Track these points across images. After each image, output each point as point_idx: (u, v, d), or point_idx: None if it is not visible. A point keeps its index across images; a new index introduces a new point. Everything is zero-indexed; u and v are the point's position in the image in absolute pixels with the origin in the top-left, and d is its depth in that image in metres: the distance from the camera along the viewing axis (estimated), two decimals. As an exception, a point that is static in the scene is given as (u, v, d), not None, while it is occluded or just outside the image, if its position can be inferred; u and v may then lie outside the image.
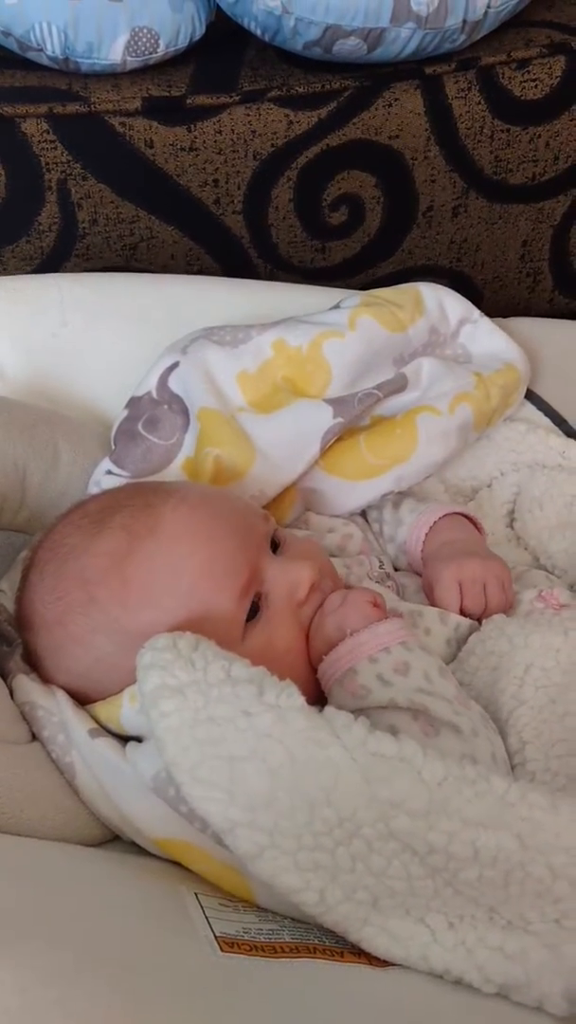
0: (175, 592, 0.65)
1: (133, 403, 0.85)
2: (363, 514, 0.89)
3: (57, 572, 0.68)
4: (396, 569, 0.85)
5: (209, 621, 0.64)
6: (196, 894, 0.59)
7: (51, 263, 1.16)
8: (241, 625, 0.67)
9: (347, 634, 0.67)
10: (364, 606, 0.68)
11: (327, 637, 0.68)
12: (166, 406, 0.84)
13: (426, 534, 0.83)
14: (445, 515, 0.84)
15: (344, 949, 0.56)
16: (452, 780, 0.55)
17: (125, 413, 0.85)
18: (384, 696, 0.64)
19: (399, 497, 0.87)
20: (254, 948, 0.54)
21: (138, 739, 0.66)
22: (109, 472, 0.82)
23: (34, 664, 0.70)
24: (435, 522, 0.83)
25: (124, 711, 0.66)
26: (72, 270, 1.14)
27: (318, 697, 0.68)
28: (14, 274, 1.10)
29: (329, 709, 0.58)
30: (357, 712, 0.65)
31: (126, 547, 0.66)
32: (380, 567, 0.82)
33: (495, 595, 0.76)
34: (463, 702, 0.66)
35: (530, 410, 0.96)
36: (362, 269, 1.24)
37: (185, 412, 0.84)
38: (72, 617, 0.67)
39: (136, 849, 0.65)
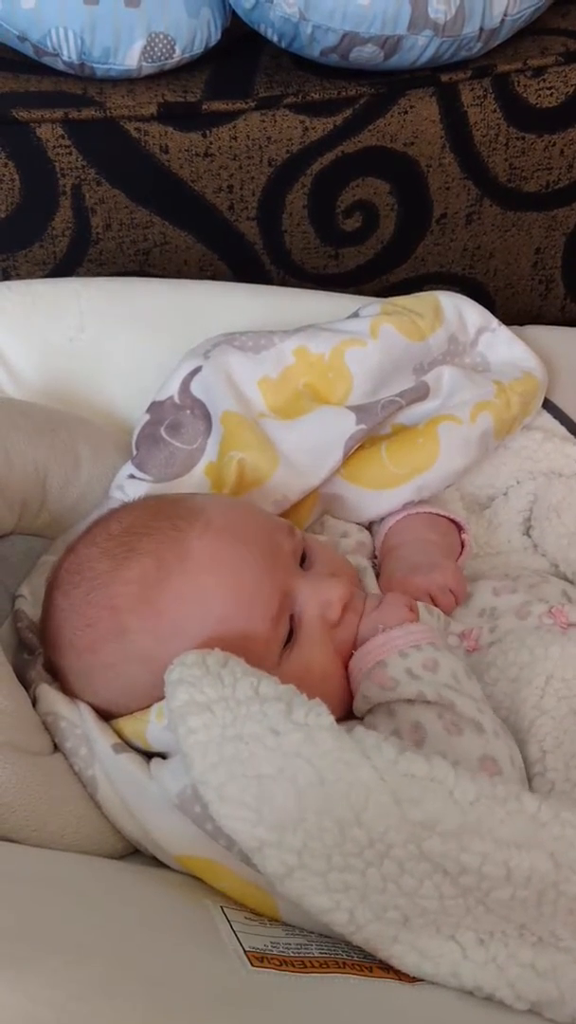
0: (206, 624, 0.64)
1: (155, 408, 0.85)
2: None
3: (85, 598, 0.67)
4: None
5: (244, 650, 0.63)
6: (222, 907, 0.59)
7: (64, 268, 1.16)
8: (278, 650, 0.66)
9: (380, 630, 0.68)
10: (401, 608, 0.69)
11: (363, 635, 0.69)
12: (188, 411, 0.84)
13: (379, 545, 0.83)
14: (400, 519, 0.84)
15: (373, 964, 0.56)
16: (484, 800, 0.54)
17: (147, 418, 0.85)
18: (412, 689, 0.65)
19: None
20: (283, 963, 0.54)
21: (162, 756, 0.66)
22: (132, 476, 0.82)
23: (58, 680, 0.70)
24: (388, 530, 0.84)
25: (151, 727, 0.65)
26: (85, 275, 1.13)
27: (351, 717, 0.68)
28: (27, 279, 1.10)
29: (359, 729, 0.57)
30: (383, 704, 0.66)
31: (155, 575, 0.66)
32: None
33: (442, 602, 0.77)
34: (486, 704, 0.67)
35: (546, 419, 0.95)
36: (375, 276, 1.24)
37: (207, 417, 0.83)
38: (104, 645, 0.67)
39: (159, 862, 0.64)
